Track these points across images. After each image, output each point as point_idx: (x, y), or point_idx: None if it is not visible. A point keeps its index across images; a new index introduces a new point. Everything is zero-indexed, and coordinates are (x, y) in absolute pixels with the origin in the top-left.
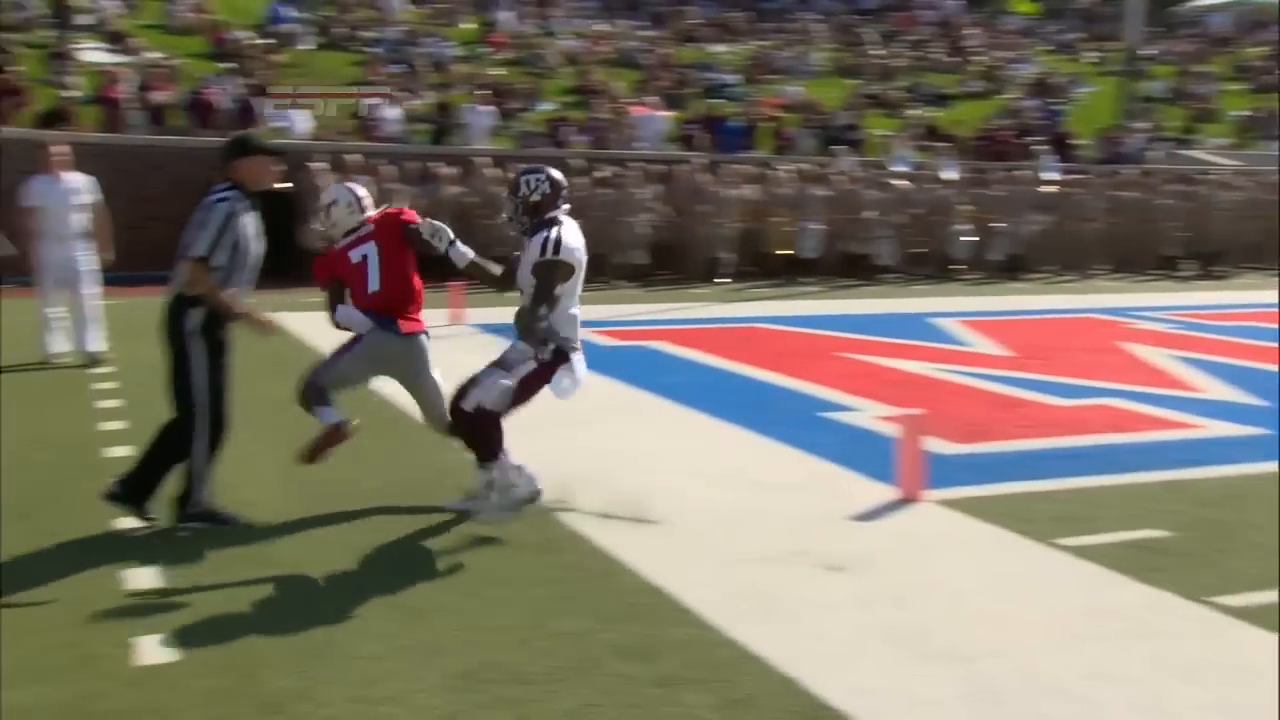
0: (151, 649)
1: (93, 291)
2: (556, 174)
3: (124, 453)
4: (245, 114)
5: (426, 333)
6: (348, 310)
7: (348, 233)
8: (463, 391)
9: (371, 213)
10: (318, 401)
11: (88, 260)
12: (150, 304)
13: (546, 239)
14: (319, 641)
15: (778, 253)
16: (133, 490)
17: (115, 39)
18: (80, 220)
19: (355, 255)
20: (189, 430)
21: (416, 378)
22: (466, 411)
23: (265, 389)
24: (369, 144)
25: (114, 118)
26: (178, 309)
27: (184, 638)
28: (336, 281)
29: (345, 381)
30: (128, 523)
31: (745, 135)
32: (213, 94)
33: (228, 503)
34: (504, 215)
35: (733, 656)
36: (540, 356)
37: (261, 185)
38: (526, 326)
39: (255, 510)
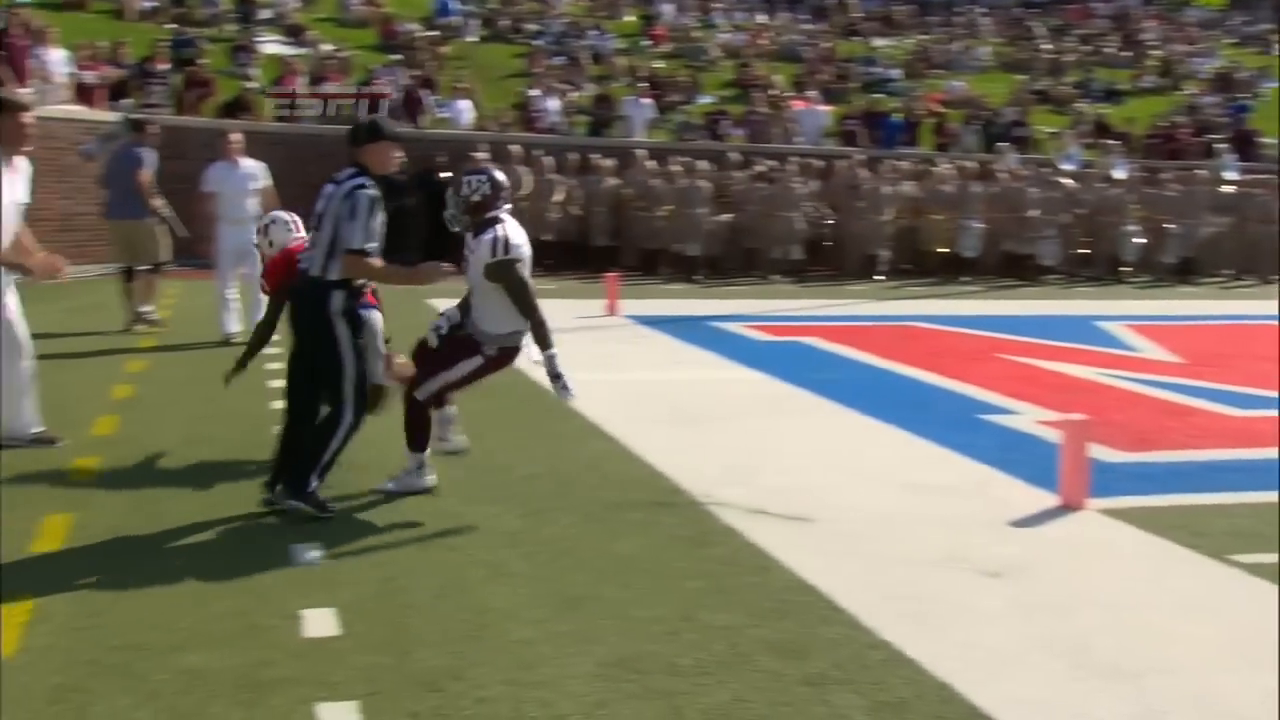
0: (315, 622)
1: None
2: (500, 175)
3: None
4: (411, 104)
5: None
6: None
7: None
8: (417, 380)
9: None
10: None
11: None
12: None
13: (495, 239)
14: (473, 624)
15: (936, 251)
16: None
17: (293, 32)
18: (255, 205)
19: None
20: (336, 416)
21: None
22: (419, 401)
23: None
24: (529, 135)
25: (288, 107)
26: (321, 293)
27: (346, 613)
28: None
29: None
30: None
31: (906, 131)
32: (380, 84)
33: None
34: (448, 212)
35: (885, 659)
36: (487, 352)
37: (386, 170)
38: (538, 335)
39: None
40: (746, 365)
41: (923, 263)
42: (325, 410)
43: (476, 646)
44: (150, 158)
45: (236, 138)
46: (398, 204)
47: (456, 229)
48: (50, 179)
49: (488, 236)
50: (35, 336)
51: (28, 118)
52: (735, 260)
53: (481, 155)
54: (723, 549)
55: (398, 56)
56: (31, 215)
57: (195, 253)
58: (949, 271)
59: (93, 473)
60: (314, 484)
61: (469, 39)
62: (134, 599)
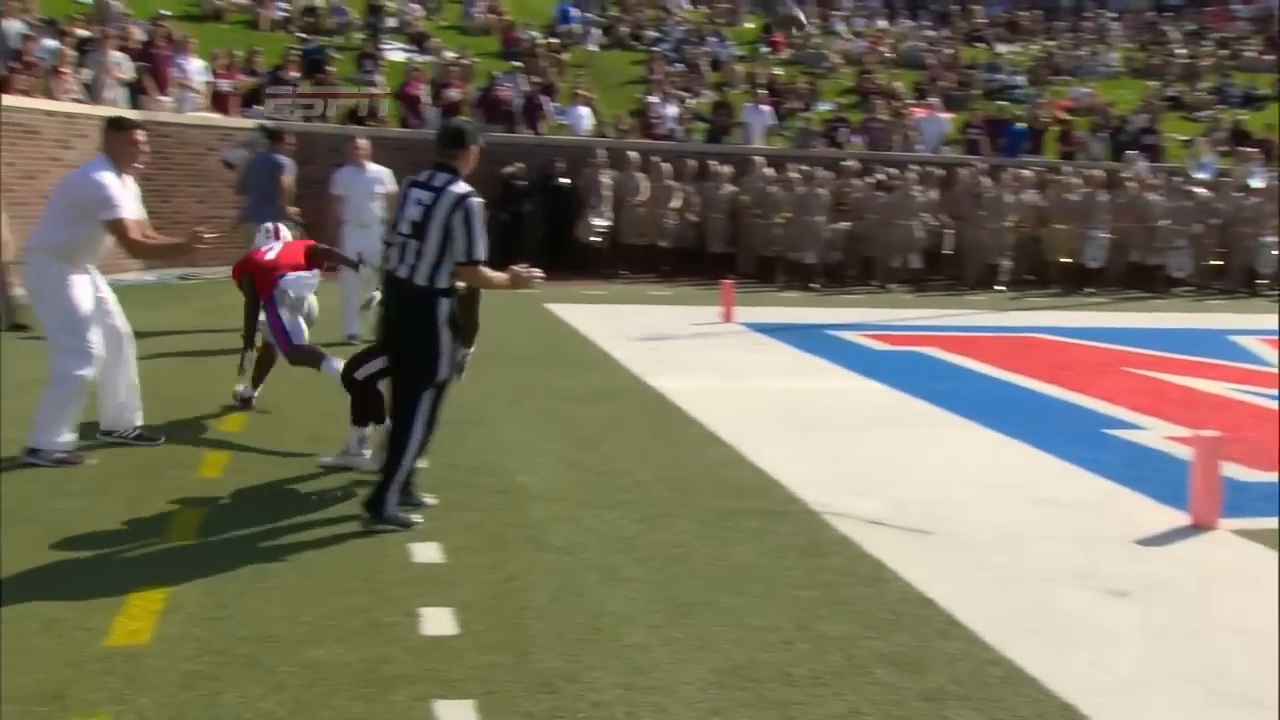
0: (434, 620)
1: None
2: None
3: None
4: (531, 110)
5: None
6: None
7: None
8: (358, 361)
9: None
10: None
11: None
12: None
13: None
14: (588, 627)
15: (1060, 261)
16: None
17: (417, 40)
18: (380, 208)
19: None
20: (406, 431)
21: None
22: (358, 380)
23: (545, 378)
24: (647, 141)
25: (413, 113)
26: (429, 301)
27: (463, 612)
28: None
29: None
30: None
31: (1030, 139)
32: (502, 91)
33: (504, 487)
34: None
35: (1006, 676)
36: None
37: (471, 174)
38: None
39: (530, 495)
40: (864, 374)
41: (1045, 273)
42: (393, 423)
43: (591, 650)
44: (290, 165)
45: (363, 143)
46: (516, 209)
47: (593, 240)
48: (187, 183)
49: None
50: (168, 335)
51: (140, 135)
52: (853, 268)
53: (600, 161)
54: (838, 559)
55: (519, 63)
56: (170, 218)
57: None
58: (1072, 282)
59: (222, 468)
60: (393, 503)
61: (589, 46)
62: (261, 592)
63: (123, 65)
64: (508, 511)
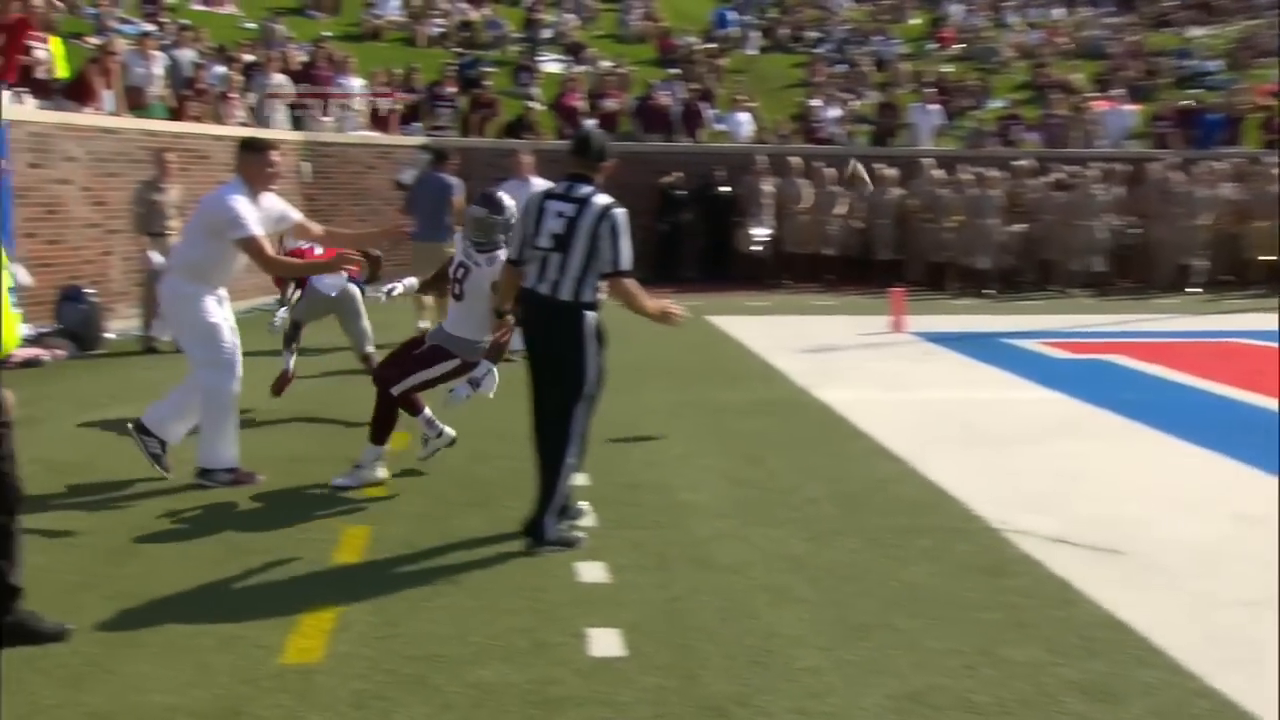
0: (601, 641)
1: None
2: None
3: None
4: (689, 118)
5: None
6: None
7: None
8: (392, 376)
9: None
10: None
11: None
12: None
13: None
14: (758, 649)
15: (1260, 259)
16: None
17: (573, 50)
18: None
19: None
20: (560, 453)
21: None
22: (393, 394)
23: (705, 391)
24: (809, 146)
25: (570, 124)
26: (575, 316)
27: (630, 633)
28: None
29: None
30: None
31: (1226, 128)
32: (659, 99)
33: (668, 505)
34: (482, 235)
35: (1214, 709)
36: (466, 357)
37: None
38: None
39: (694, 513)
40: (1044, 384)
41: (1245, 273)
42: (547, 443)
43: (762, 673)
44: (458, 185)
45: (527, 158)
46: (675, 219)
47: (754, 250)
48: (349, 201)
49: (501, 256)
50: (329, 352)
51: (274, 156)
52: (1030, 273)
53: (761, 168)
54: (1022, 580)
55: (676, 70)
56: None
57: None
58: (1276, 282)
59: (387, 486)
60: (552, 525)
61: (748, 51)
62: (428, 611)
63: (284, 87)
64: (672, 530)
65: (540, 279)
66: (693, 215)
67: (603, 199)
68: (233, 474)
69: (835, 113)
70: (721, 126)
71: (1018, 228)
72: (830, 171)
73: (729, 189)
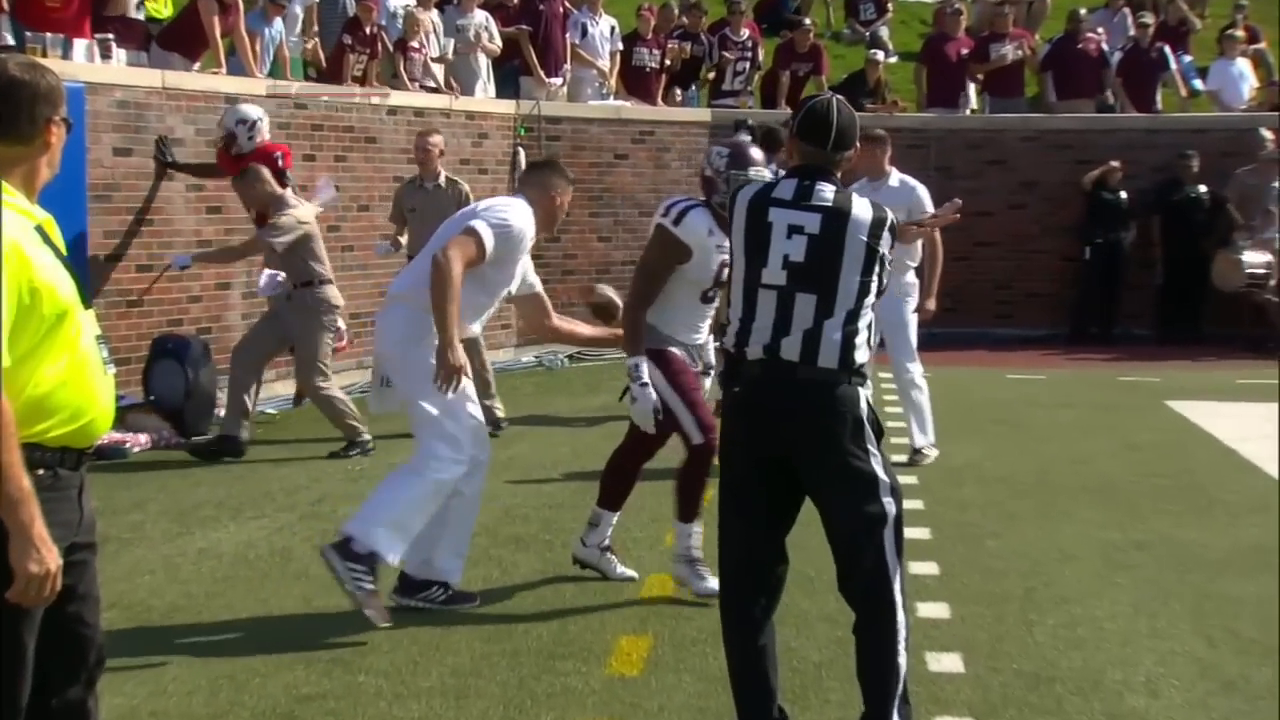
0: None
1: None
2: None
3: None
4: (1141, 69)
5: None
6: None
7: None
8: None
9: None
10: None
11: None
12: None
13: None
14: None
15: None
16: None
17: None
18: None
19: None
20: (888, 602)
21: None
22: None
23: (1164, 526)
24: None
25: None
26: (849, 394)
27: None
28: None
29: None
30: None
31: None
32: (1088, 41)
33: (1110, 712)
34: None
35: None
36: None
37: None
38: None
39: None
40: None
41: None
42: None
43: None
44: None
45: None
46: (1108, 237)
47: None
48: (584, 208)
49: None
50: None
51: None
52: None
53: (1271, 154)
54: None
55: None
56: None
57: None
58: None
59: (665, 586)
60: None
61: None
62: None
63: (487, 31)
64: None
65: (776, 337)
66: (1138, 233)
67: (868, 202)
68: (446, 590)
69: None
70: (1200, 85)
71: None
72: None
73: (1207, 190)
